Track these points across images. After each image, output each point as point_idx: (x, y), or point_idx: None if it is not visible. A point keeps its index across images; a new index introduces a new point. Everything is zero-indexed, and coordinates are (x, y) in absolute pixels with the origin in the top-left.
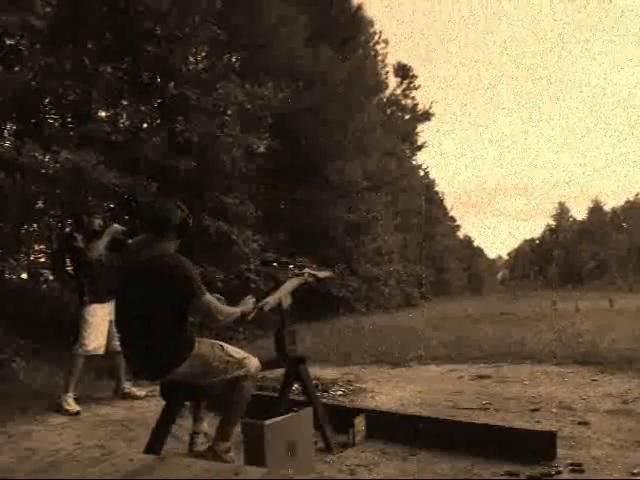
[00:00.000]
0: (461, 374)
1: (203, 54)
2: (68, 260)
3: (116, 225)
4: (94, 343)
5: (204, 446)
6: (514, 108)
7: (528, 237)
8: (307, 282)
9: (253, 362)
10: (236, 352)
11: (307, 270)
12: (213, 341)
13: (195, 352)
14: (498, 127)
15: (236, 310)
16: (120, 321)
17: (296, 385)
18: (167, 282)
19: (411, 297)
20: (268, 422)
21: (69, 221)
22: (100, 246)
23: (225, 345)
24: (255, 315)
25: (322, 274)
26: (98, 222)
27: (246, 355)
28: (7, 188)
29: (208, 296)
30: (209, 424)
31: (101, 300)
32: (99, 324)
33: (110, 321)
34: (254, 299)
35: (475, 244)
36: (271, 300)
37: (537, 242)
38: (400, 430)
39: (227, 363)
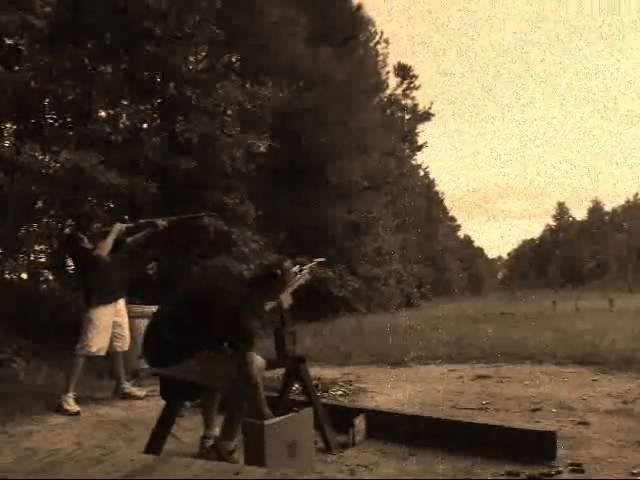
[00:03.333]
0: (461, 374)
1: (203, 54)
2: (71, 261)
3: (119, 224)
4: (97, 345)
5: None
6: (514, 108)
7: (528, 237)
8: (307, 280)
9: (256, 360)
10: None
11: (305, 268)
12: None
13: (200, 350)
14: (498, 127)
15: (262, 409)
16: (163, 306)
17: (296, 385)
18: (222, 320)
19: (411, 297)
20: (268, 422)
21: (69, 221)
22: (109, 245)
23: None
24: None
25: (314, 263)
26: (96, 226)
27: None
28: (7, 188)
29: (253, 355)
30: (198, 423)
31: (107, 301)
32: (104, 326)
33: (114, 322)
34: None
35: (475, 244)
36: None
37: (537, 242)
38: (400, 430)
39: (229, 363)
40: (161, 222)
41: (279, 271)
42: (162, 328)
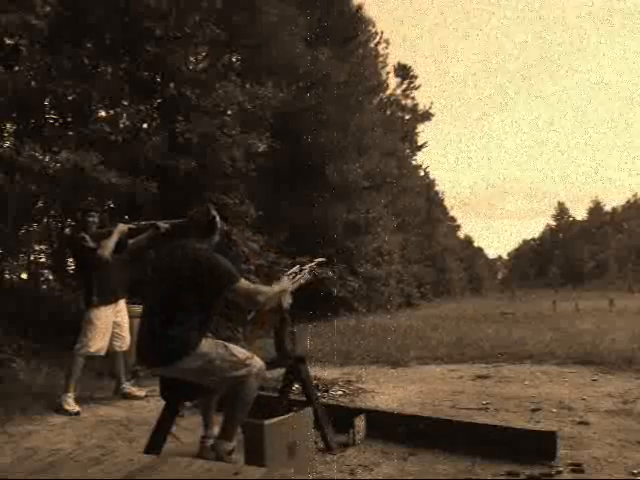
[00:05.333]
0: (461, 374)
1: (203, 54)
2: (73, 261)
3: (122, 224)
4: (97, 345)
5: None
6: (514, 108)
7: (528, 237)
8: (307, 280)
9: (257, 362)
10: (239, 352)
11: (305, 268)
12: (217, 340)
13: (199, 349)
14: (498, 127)
15: (274, 289)
16: (146, 307)
17: (296, 385)
18: (201, 274)
19: (411, 297)
20: (268, 422)
21: (69, 221)
22: (111, 245)
23: (228, 345)
24: (257, 315)
25: (315, 263)
26: (93, 220)
27: (249, 355)
28: (7, 188)
29: (243, 281)
30: (198, 423)
31: (107, 301)
32: (104, 326)
33: (113, 322)
34: (288, 278)
35: (475, 244)
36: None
37: (537, 242)
38: (400, 430)
39: (229, 362)
40: (163, 225)
41: (214, 214)
42: (158, 327)
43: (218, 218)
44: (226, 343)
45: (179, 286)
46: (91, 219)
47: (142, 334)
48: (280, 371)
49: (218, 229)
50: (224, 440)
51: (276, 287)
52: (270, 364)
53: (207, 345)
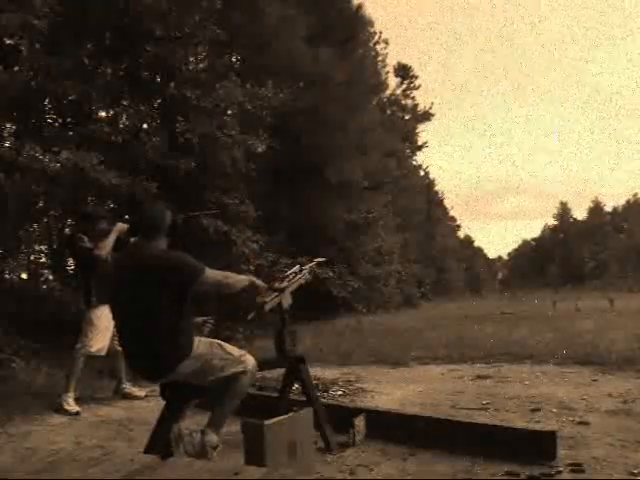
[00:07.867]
0: (461, 374)
1: (203, 54)
2: (72, 261)
3: (120, 224)
4: (98, 345)
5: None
6: (515, 108)
7: (528, 237)
8: (307, 280)
9: (250, 359)
10: (233, 349)
11: (305, 268)
12: (211, 340)
13: (194, 351)
14: (498, 127)
15: (244, 277)
16: (119, 322)
17: (296, 385)
18: (165, 275)
19: (411, 297)
20: (268, 422)
21: (69, 221)
22: (109, 244)
23: (223, 343)
24: (257, 315)
25: (315, 263)
26: (102, 227)
27: (243, 352)
28: (7, 188)
29: (209, 270)
30: (198, 423)
31: (106, 301)
32: (104, 326)
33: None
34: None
35: (475, 244)
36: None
37: (537, 242)
38: (400, 430)
39: (226, 360)
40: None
41: (177, 218)
42: (144, 337)
43: (172, 217)
44: (220, 342)
45: (149, 289)
46: (102, 226)
47: (129, 347)
48: (280, 371)
49: (177, 227)
50: (211, 430)
51: (247, 277)
52: (270, 364)
53: (202, 346)
